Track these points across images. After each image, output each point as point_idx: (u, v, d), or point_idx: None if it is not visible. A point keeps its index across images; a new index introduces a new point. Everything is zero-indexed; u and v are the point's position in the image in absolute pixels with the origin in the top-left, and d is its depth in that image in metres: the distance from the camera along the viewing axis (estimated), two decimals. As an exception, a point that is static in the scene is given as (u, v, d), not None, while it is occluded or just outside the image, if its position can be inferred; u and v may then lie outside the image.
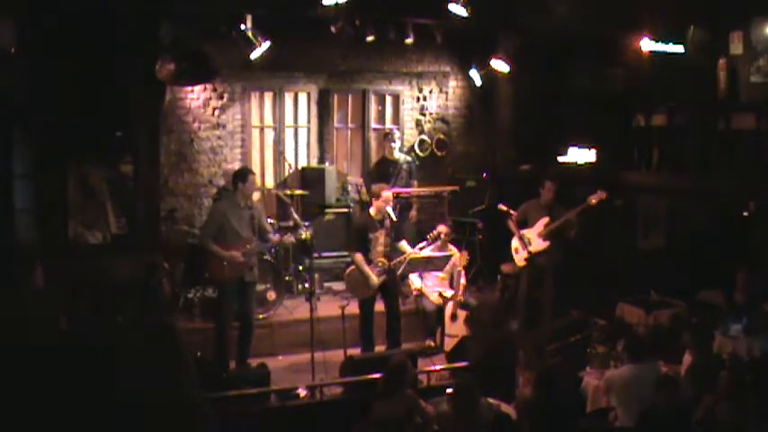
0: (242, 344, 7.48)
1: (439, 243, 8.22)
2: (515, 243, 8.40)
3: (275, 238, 7.58)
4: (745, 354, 6.47)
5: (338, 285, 9.16)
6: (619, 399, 5.89)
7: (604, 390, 6.07)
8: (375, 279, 7.57)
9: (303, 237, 7.66)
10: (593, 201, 8.00)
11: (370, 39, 9.03)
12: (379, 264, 7.65)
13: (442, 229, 8.23)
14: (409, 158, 9.91)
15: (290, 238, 7.69)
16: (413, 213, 9.69)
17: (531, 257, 8.30)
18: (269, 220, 9.06)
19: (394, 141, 9.75)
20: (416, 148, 10.51)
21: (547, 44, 9.30)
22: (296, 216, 8.17)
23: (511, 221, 8.39)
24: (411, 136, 10.63)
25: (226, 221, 7.29)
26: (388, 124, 10.59)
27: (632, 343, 6.22)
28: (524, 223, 8.37)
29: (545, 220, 8.21)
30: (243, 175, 7.46)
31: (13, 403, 2.38)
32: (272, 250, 8.74)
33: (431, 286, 8.52)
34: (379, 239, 7.68)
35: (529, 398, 5.98)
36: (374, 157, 10.54)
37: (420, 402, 5.81)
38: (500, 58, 9.40)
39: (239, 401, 6.48)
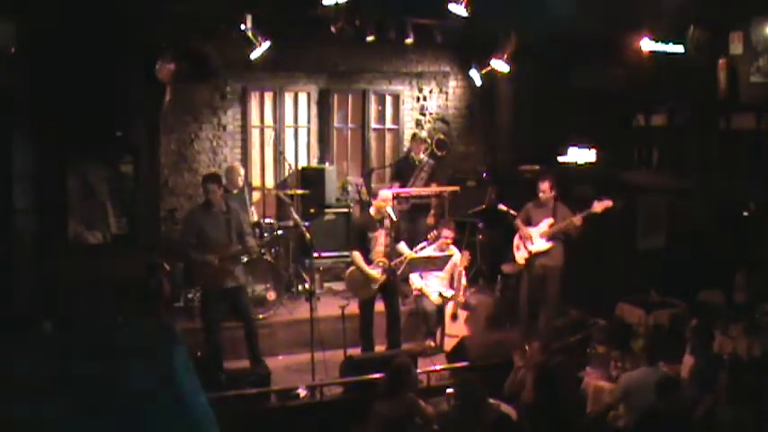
0: (249, 345, 7.49)
1: (439, 243, 8.24)
2: (517, 240, 8.42)
3: (250, 241, 7.50)
4: (745, 354, 6.47)
5: (338, 285, 9.16)
6: (631, 401, 5.86)
7: (621, 391, 6.00)
8: (377, 275, 7.57)
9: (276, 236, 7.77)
10: (598, 209, 7.98)
11: (370, 39, 9.04)
12: (380, 264, 7.65)
13: (445, 233, 8.24)
14: (432, 161, 9.97)
15: (254, 243, 7.67)
16: (431, 213, 9.66)
17: (532, 257, 8.30)
18: (267, 220, 9.08)
19: (424, 143, 9.90)
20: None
21: (547, 44, 9.29)
22: (296, 216, 8.17)
23: (518, 220, 8.42)
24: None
25: (200, 230, 7.25)
26: (388, 124, 10.61)
27: (652, 345, 6.23)
28: (527, 223, 8.39)
29: (549, 220, 8.21)
30: (204, 184, 7.40)
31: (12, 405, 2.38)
32: (273, 250, 8.74)
33: (431, 286, 8.52)
34: (379, 239, 7.69)
35: (529, 398, 6.00)
36: (374, 158, 10.56)
37: (420, 403, 5.81)
38: (500, 58, 9.39)
39: (239, 401, 6.49)
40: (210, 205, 7.30)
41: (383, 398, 5.73)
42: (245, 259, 7.75)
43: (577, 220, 8.03)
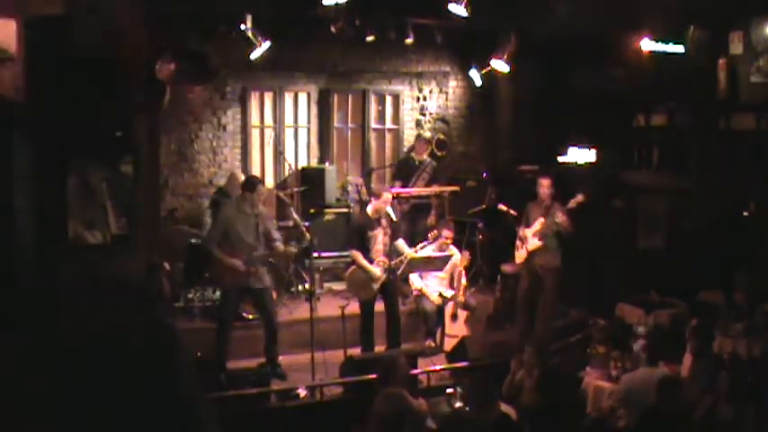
0: (268, 346, 7.54)
1: (439, 243, 8.24)
2: (518, 240, 8.46)
3: (279, 246, 7.57)
4: (745, 354, 6.47)
5: (338, 285, 9.16)
6: (631, 401, 5.86)
7: (622, 392, 6.00)
8: (377, 272, 7.57)
9: (305, 246, 7.78)
10: (572, 204, 8.00)
11: (370, 39, 9.04)
12: (380, 263, 7.65)
13: (445, 233, 8.24)
14: (434, 162, 9.98)
15: (290, 248, 7.77)
16: (431, 213, 9.65)
17: (529, 256, 8.31)
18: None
19: (428, 144, 9.96)
20: (416, 148, 10.52)
21: (547, 44, 9.30)
22: (296, 216, 8.17)
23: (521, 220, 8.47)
24: (411, 136, 10.63)
25: (231, 228, 7.34)
26: (388, 124, 10.62)
27: (654, 345, 6.23)
28: (527, 223, 8.41)
29: (542, 220, 8.22)
30: (252, 184, 7.53)
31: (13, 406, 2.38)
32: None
33: (431, 286, 8.51)
34: (378, 238, 7.69)
35: (528, 400, 6.00)
36: (374, 158, 10.56)
37: (410, 400, 5.80)
38: (500, 58, 9.39)
39: (239, 401, 6.49)
40: (245, 206, 7.40)
41: (377, 395, 5.74)
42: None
43: (558, 216, 8.05)
